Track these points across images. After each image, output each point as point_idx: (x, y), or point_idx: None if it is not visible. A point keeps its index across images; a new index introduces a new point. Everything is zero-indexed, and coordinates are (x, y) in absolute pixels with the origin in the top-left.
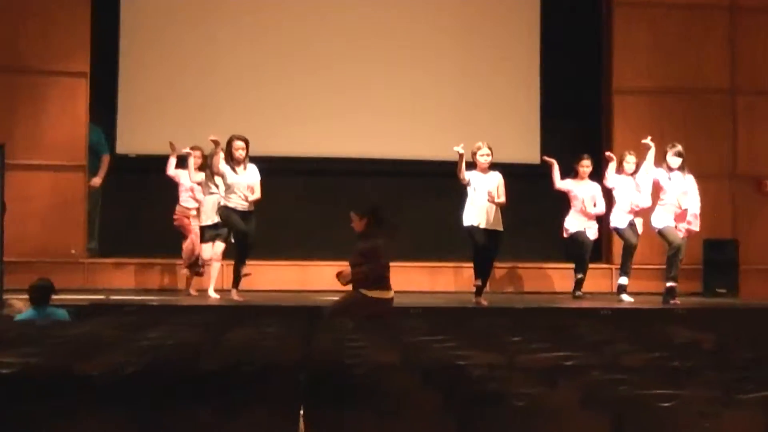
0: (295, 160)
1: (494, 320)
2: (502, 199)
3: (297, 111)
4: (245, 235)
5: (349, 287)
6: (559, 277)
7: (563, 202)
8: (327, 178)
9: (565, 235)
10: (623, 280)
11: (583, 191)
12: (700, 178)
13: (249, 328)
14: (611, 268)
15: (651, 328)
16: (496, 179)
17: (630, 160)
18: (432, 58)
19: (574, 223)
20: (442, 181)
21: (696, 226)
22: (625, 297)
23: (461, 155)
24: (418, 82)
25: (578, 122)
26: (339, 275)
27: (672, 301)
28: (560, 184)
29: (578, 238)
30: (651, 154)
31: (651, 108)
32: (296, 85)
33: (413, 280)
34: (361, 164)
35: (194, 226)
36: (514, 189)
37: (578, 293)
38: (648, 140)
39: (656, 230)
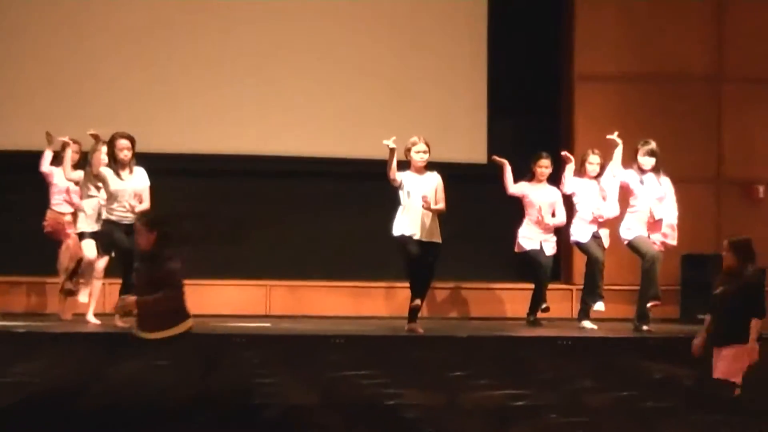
0: (190, 158)
1: (432, 351)
2: (441, 205)
3: (192, 104)
4: (130, 254)
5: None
6: (511, 299)
7: (516, 209)
8: (229, 178)
9: (516, 250)
10: (599, 306)
11: (540, 197)
12: (679, 182)
13: (136, 361)
14: (571, 289)
15: (619, 361)
16: (434, 181)
17: (593, 161)
18: (362, 43)
19: (528, 236)
20: (370, 184)
21: (673, 239)
22: (587, 324)
23: (392, 150)
24: (345, 71)
25: (533, 115)
26: (121, 304)
27: (644, 328)
28: (513, 188)
29: (534, 258)
30: (618, 153)
31: (620, 98)
32: (196, 74)
33: (335, 303)
34: (270, 163)
35: (70, 232)
36: (457, 193)
37: (533, 318)
38: (614, 136)
39: (625, 242)
